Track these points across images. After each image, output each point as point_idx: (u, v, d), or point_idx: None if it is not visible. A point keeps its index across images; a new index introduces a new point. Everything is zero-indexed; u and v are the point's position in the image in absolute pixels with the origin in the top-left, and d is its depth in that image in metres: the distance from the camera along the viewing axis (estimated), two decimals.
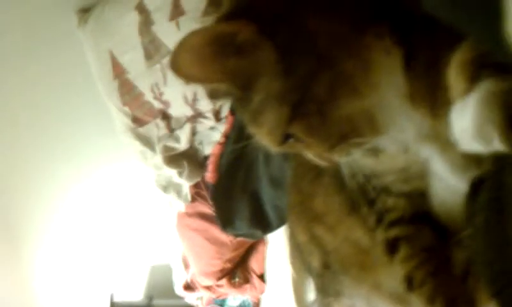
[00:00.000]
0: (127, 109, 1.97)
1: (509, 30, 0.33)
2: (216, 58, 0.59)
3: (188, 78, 0.62)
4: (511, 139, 0.43)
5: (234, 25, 0.57)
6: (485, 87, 0.47)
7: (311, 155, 0.70)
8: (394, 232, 0.78)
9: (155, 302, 2.53)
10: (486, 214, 0.49)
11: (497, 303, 0.49)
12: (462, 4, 0.38)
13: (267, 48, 0.58)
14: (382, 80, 0.60)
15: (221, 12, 0.62)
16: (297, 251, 1.08)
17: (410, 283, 0.77)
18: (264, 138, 0.67)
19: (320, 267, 0.96)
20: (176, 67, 0.60)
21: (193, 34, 0.58)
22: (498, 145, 0.45)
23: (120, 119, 2.02)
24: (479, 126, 0.46)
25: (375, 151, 0.70)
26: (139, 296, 2.70)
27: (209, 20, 0.62)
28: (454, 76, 0.52)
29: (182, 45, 0.58)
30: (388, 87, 0.60)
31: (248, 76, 0.61)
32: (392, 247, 0.79)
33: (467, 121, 0.48)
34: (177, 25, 1.74)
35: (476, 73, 0.48)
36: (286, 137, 0.65)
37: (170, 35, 1.76)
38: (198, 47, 0.58)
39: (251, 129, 0.67)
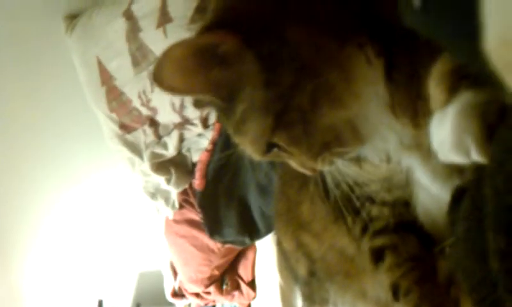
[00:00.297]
0: (114, 115, 1.96)
1: (487, 44, 0.33)
2: (199, 69, 0.60)
3: (171, 90, 0.62)
4: (488, 150, 0.44)
5: (217, 37, 0.58)
6: (464, 98, 0.47)
7: (294, 164, 0.70)
8: (379, 241, 0.79)
9: None
10: (467, 224, 0.50)
11: None
12: (438, 18, 0.39)
13: (250, 59, 0.58)
14: (364, 90, 0.60)
15: (205, 22, 0.62)
16: (284, 259, 1.08)
17: (396, 292, 0.77)
18: (247, 147, 0.67)
19: (307, 275, 0.96)
20: (159, 79, 0.60)
21: (176, 45, 0.58)
22: (475, 156, 0.45)
23: (107, 126, 2.01)
24: (457, 138, 0.46)
25: (358, 161, 0.71)
26: (127, 303, 2.69)
27: (196, 28, 0.62)
28: (434, 86, 0.52)
29: (165, 57, 0.58)
30: (370, 97, 0.61)
31: (231, 87, 0.61)
32: (377, 256, 0.79)
33: (445, 132, 0.48)
34: (164, 32, 1.73)
35: (455, 84, 0.49)
36: (270, 147, 0.65)
37: (157, 42, 1.75)
38: (181, 59, 0.59)
39: (235, 138, 0.68)
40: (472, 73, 0.46)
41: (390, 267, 0.78)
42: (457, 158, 0.48)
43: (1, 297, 2.41)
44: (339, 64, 0.58)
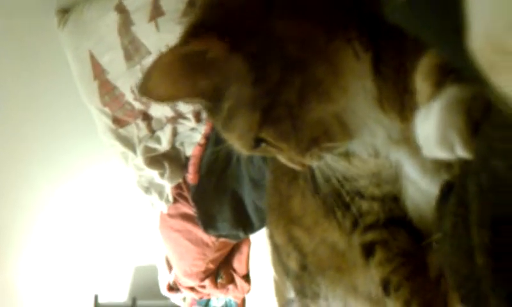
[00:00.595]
0: (107, 109, 1.95)
1: (471, 43, 0.33)
2: (187, 76, 0.60)
3: (159, 99, 0.63)
4: (472, 146, 0.44)
5: (204, 43, 0.57)
6: (449, 93, 0.47)
7: (283, 159, 0.70)
8: (370, 236, 0.79)
9: (139, 302, 2.52)
10: (453, 219, 0.50)
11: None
12: (422, 13, 0.38)
13: (238, 61, 0.58)
14: (352, 84, 0.60)
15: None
16: (276, 253, 1.08)
17: (386, 287, 0.77)
18: (235, 143, 0.67)
19: (298, 269, 0.96)
20: (146, 91, 0.60)
21: (163, 55, 0.59)
22: (460, 152, 0.45)
23: (100, 120, 2.00)
24: (442, 133, 0.46)
25: (346, 155, 0.70)
26: (123, 297, 2.69)
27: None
28: (421, 81, 0.52)
29: (152, 67, 0.59)
30: (357, 91, 0.61)
31: (218, 88, 0.61)
32: (368, 251, 0.79)
33: (430, 126, 0.48)
34: (156, 26, 1.72)
35: (442, 78, 0.49)
36: (258, 142, 0.65)
37: (150, 36, 1.75)
38: (168, 67, 0.59)
39: (223, 134, 0.67)
40: (457, 68, 0.45)
41: (380, 262, 0.78)
42: (441, 154, 0.47)
43: None
44: (327, 58, 0.58)
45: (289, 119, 0.61)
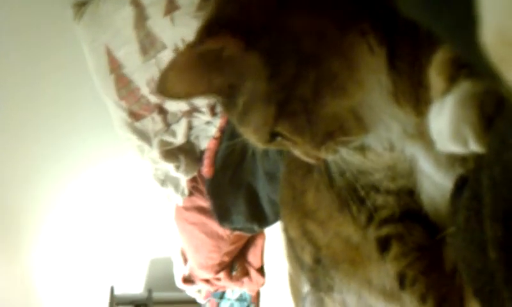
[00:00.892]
0: (123, 103, 1.97)
1: (483, 38, 0.33)
2: (203, 74, 0.61)
3: (176, 96, 0.64)
4: (486, 140, 0.44)
5: (220, 42, 0.58)
6: (463, 88, 0.47)
7: (298, 153, 0.70)
8: (385, 230, 0.78)
9: (155, 294, 2.54)
10: (466, 213, 0.49)
11: (478, 301, 0.50)
12: (436, 10, 0.38)
13: (254, 58, 0.58)
14: (367, 79, 0.60)
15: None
16: (290, 246, 1.08)
17: (402, 281, 0.77)
18: (251, 136, 0.67)
19: (312, 262, 0.96)
20: (163, 90, 0.62)
21: (180, 54, 0.60)
22: (473, 146, 0.45)
23: (116, 114, 2.02)
24: (455, 127, 0.46)
25: (362, 149, 0.70)
26: (139, 289, 2.71)
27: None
28: (434, 75, 0.52)
29: (169, 67, 0.60)
30: (372, 85, 0.61)
31: (233, 85, 0.61)
32: (383, 245, 0.79)
33: (444, 121, 0.48)
34: (172, 20, 1.73)
35: (455, 73, 0.49)
36: (273, 135, 0.66)
37: (165, 30, 1.76)
38: (184, 66, 0.60)
39: (239, 129, 0.68)
40: (470, 63, 0.45)
41: (396, 256, 0.77)
42: (455, 148, 0.47)
43: (13, 283, 2.45)
44: (341, 52, 0.58)
45: (304, 114, 0.61)
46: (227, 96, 0.64)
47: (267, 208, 1.72)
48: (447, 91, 0.49)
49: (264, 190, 1.69)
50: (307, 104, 0.60)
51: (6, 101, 2.12)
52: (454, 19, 0.36)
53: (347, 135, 0.64)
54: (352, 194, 0.79)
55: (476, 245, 0.47)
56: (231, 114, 0.66)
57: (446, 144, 0.49)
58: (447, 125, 0.47)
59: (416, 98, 0.59)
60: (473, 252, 0.48)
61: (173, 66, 0.60)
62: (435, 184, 0.70)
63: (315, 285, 1.00)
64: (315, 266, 0.96)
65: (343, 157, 0.71)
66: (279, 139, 0.66)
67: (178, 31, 1.72)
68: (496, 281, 0.42)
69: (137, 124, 2.00)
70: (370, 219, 0.80)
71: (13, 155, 2.23)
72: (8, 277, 2.44)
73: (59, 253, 2.49)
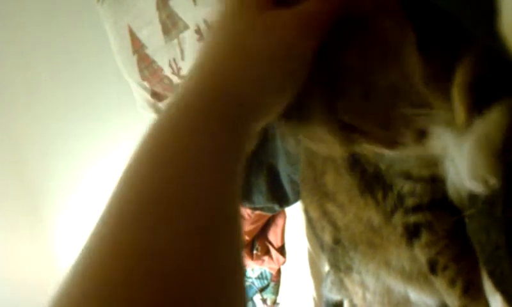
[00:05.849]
0: (146, 83, 1.98)
1: (504, 28, 0.33)
2: None
3: None
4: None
5: None
6: (480, 130, 0.46)
7: (377, 149, 0.65)
8: (414, 218, 0.77)
9: None
10: (483, 197, 0.50)
11: (492, 282, 0.50)
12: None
13: None
14: (402, 59, 0.58)
15: None
16: (310, 226, 1.09)
17: (433, 268, 0.77)
18: (320, 139, 0.63)
19: (332, 242, 0.97)
20: None
21: None
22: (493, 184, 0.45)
23: (139, 94, 2.04)
24: (473, 172, 0.46)
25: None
26: None
27: None
28: (456, 99, 0.51)
29: None
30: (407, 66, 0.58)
31: None
32: (412, 232, 0.79)
33: (463, 161, 0.48)
34: (194, 0, 1.73)
35: (474, 104, 0.48)
36: (344, 130, 0.61)
37: (187, 10, 1.75)
38: None
39: (303, 135, 0.65)
40: (491, 79, 0.45)
41: (426, 243, 0.77)
42: (476, 188, 0.48)
43: (36, 257, 2.51)
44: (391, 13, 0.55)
45: (359, 86, 0.57)
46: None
47: (288, 188, 1.72)
48: (465, 123, 0.48)
49: (284, 170, 1.69)
50: (358, 76, 0.57)
51: (30, 81, 2.16)
52: (480, 9, 0.36)
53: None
54: (378, 180, 0.78)
55: (489, 228, 0.47)
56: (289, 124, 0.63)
57: (467, 183, 0.48)
58: (466, 167, 0.47)
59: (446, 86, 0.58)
60: (487, 235, 0.48)
61: None
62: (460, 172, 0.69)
63: (335, 265, 1.01)
64: (334, 246, 0.97)
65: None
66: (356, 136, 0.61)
67: (200, 11, 1.72)
68: (503, 264, 0.43)
69: (160, 104, 2.02)
70: (396, 206, 0.79)
71: (38, 132, 2.27)
72: (34, 252, 2.50)
73: (82, 230, 2.54)
